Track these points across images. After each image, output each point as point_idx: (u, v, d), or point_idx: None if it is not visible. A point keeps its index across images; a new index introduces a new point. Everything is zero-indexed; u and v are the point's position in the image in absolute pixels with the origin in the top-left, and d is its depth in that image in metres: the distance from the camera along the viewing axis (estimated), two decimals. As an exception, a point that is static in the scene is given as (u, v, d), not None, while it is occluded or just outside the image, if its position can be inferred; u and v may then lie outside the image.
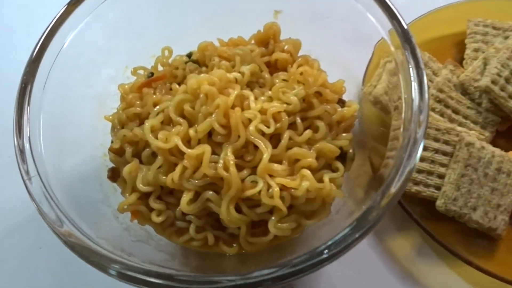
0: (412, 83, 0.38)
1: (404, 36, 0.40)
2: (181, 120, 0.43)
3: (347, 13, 0.47)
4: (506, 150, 0.53)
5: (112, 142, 0.45)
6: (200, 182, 0.41)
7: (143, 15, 0.52)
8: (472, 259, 0.46)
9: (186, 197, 0.41)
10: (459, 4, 0.63)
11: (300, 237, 0.44)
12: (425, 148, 0.50)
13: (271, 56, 0.49)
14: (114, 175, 0.45)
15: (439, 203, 0.48)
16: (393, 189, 0.35)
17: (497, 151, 0.50)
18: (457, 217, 0.48)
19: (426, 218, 0.49)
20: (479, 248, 0.49)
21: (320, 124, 0.44)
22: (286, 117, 0.43)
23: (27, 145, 0.38)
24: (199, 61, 0.50)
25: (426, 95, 0.37)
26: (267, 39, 0.50)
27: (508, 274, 0.47)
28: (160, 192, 0.43)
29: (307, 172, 0.41)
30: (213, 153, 0.42)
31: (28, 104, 0.39)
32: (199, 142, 0.42)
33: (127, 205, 0.42)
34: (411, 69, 0.39)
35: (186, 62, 0.50)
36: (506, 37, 0.59)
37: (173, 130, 0.42)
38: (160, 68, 0.51)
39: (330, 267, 0.50)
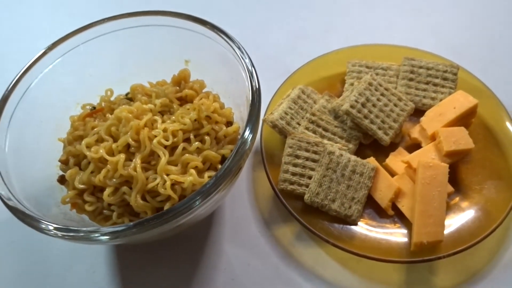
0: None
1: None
2: (108, 138, 0.60)
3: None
4: (371, 158, 0.70)
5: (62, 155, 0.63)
6: (117, 180, 0.58)
7: (96, 63, 0.71)
8: (330, 239, 0.61)
9: (107, 191, 0.57)
10: (343, 50, 0.81)
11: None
12: (298, 157, 0.66)
13: (182, 92, 0.67)
14: (62, 179, 0.62)
15: (306, 197, 0.64)
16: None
17: (353, 157, 0.66)
18: (320, 207, 0.64)
19: (302, 211, 0.65)
20: (341, 231, 0.64)
21: (207, 138, 0.61)
22: (181, 134, 0.60)
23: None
24: (132, 97, 0.69)
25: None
26: (180, 81, 0.68)
27: (362, 250, 0.61)
28: (92, 189, 0.60)
29: (192, 171, 0.58)
30: (129, 159, 0.59)
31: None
32: (120, 152, 0.59)
33: (68, 198, 0.59)
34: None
35: (122, 99, 0.69)
36: (377, 74, 0.77)
37: (101, 145, 0.60)
38: (103, 104, 0.69)
39: (229, 249, 0.65)
